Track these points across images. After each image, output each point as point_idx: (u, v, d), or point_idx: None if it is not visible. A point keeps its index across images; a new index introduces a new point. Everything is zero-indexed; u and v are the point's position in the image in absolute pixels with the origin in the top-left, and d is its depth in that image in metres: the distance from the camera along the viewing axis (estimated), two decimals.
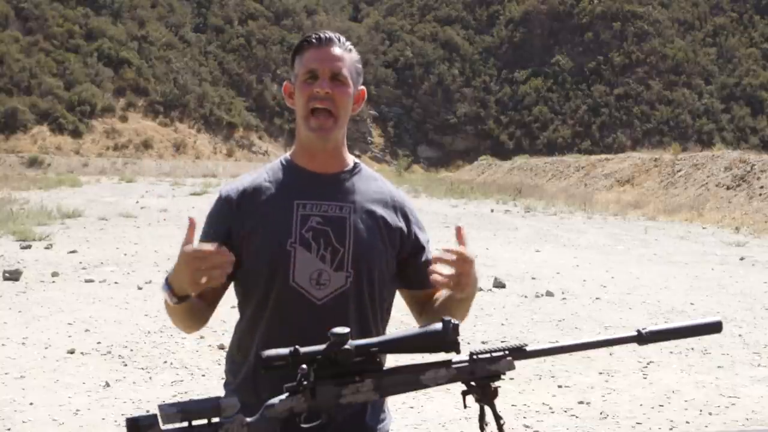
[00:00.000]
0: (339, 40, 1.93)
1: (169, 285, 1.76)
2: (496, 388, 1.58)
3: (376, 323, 1.95)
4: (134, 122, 58.74)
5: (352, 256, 1.88)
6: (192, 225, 1.72)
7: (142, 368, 5.79)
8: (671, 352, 6.40)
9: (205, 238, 1.91)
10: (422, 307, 2.01)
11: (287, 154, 2.02)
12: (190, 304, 1.81)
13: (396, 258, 1.95)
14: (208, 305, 1.91)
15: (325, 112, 1.88)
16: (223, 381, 2.02)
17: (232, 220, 1.90)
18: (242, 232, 1.89)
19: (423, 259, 1.98)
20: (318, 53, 1.89)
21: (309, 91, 1.88)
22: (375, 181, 2.01)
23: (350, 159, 2.00)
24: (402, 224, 1.97)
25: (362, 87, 1.97)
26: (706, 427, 4.74)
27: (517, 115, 72.78)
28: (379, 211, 1.95)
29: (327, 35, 1.92)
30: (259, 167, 2.07)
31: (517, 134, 71.35)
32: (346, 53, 1.92)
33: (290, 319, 1.85)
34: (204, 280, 1.68)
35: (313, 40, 1.91)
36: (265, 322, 1.88)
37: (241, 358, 1.93)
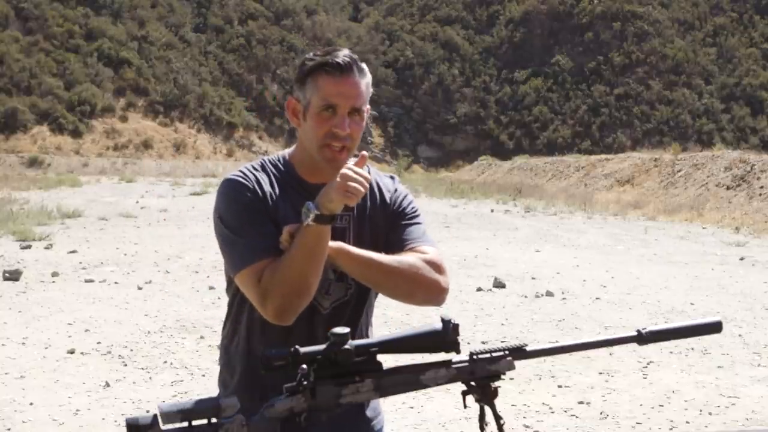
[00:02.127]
0: (356, 64, 1.83)
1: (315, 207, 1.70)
2: (496, 388, 1.58)
3: (367, 325, 1.98)
4: (134, 122, 58.70)
5: None
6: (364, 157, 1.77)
7: (142, 368, 5.79)
8: (671, 352, 6.40)
9: (252, 207, 1.82)
10: None
11: (286, 155, 1.95)
12: (325, 240, 1.73)
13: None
14: None
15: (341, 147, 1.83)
16: (219, 384, 1.99)
17: (260, 198, 1.84)
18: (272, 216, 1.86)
19: (400, 230, 1.93)
20: (338, 85, 1.80)
21: (327, 128, 1.81)
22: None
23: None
24: (388, 217, 1.94)
25: (367, 106, 1.90)
26: (706, 427, 4.74)
27: (517, 115, 72.70)
28: (374, 214, 1.94)
29: (346, 60, 1.81)
30: (255, 161, 1.97)
31: (517, 134, 71.27)
32: (362, 80, 1.84)
33: (298, 327, 1.83)
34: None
35: (333, 68, 1.80)
36: (276, 330, 1.85)
37: (245, 364, 1.91)
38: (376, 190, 1.97)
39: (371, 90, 1.90)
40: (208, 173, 50.10)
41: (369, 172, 1.99)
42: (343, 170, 1.73)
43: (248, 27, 72.74)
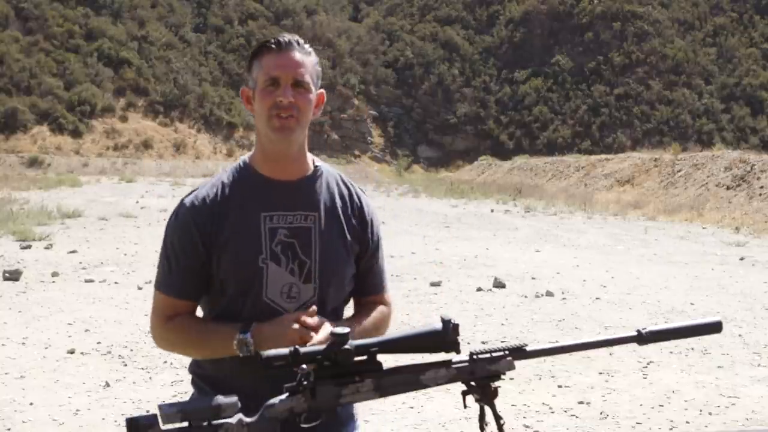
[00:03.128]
0: (298, 43, 1.88)
1: (251, 339, 1.79)
2: (496, 388, 1.58)
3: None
4: (134, 122, 58.68)
5: (318, 267, 1.88)
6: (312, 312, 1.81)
7: (142, 368, 5.79)
8: (671, 352, 6.40)
9: (183, 248, 1.89)
10: (358, 309, 2.04)
11: (245, 158, 1.98)
12: None
13: (354, 261, 1.97)
14: None
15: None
16: (191, 381, 1.99)
17: (203, 232, 1.88)
18: (214, 246, 1.87)
19: (369, 265, 2.00)
20: (278, 59, 1.85)
21: (271, 100, 1.84)
22: (337, 184, 1.98)
23: (311, 162, 1.97)
24: (361, 229, 1.97)
25: (321, 90, 1.94)
26: (706, 427, 4.74)
27: (517, 115, 72.68)
28: (343, 217, 1.94)
29: (286, 39, 1.88)
30: (216, 174, 2.04)
31: (517, 134, 71.25)
32: (306, 57, 1.88)
33: None
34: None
35: (272, 45, 1.87)
36: None
37: (214, 370, 1.91)
38: (347, 192, 1.99)
39: (319, 71, 1.93)
40: (208, 173, 49.97)
41: (343, 180, 2.01)
42: (294, 326, 1.78)
43: (248, 27, 72.71)
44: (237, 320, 1.84)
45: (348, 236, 1.93)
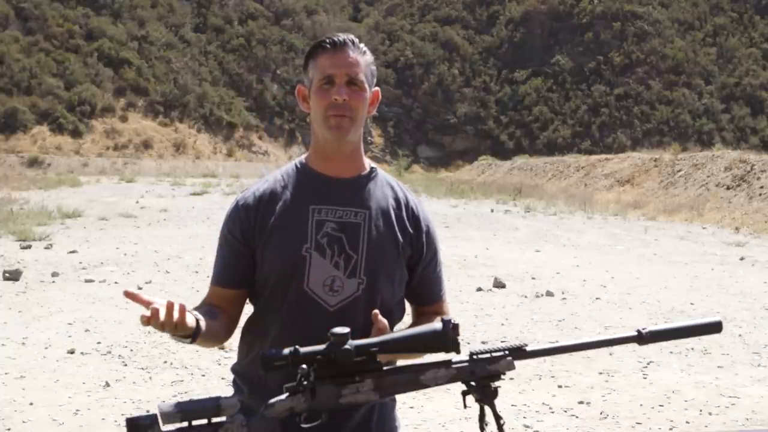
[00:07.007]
0: (353, 43, 1.90)
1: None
2: (496, 388, 1.58)
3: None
4: (134, 122, 58.67)
5: (364, 263, 1.87)
6: (131, 295, 1.67)
7: (142, 368, 5.79)
8: (671, 352, 6.40)
9: (225, 240, 1.95)
10: (416, 319, 2.03)
11: (302, 158, 2.00)
12: (208, 332, 1.79)
13: (407, 266, 1.95)
14: (230, 319, 1.93)
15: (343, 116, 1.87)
16: (233, 381, 2.01)
17: (248, 227, 1.90)
18: (259, 239, 1.89)
19: (426, 274, 1.99)
20: (333, 58, 1.87)
21: (327, 99, 1.86)
22: (392, 188, 1.99)
23: (367, 164, 1.98)
24: (415, 234, 1.96)
25: (376, 88, 1.96)
26: (706, 427, 4.74)
27: (517, 115, 72.70)
28: (395, 219, 1.94)
29: (341, 39, 1.89)
30: (273, 170, 2.07)
31: (517, 134, 71.27)
32: (360, 56, 1.90)
33: (302, 325, 1.82)
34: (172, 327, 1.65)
35: (327, 45, 1.88)
36: (278, 327, 1.87)
37: (249, 370, 1.94)
38: (404, 198, 1.99)
39: (374, 70, 1.95)
40: (208, 173, 50.04)
41: (400, 186, 2.01)
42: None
43: (248, 27, 72.70)
44: (279, 311, 1.86)
45: (399, 238, 1.93)
